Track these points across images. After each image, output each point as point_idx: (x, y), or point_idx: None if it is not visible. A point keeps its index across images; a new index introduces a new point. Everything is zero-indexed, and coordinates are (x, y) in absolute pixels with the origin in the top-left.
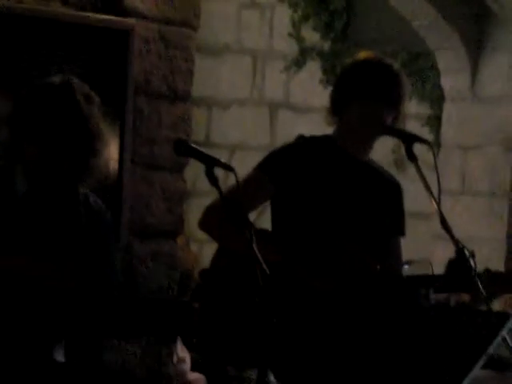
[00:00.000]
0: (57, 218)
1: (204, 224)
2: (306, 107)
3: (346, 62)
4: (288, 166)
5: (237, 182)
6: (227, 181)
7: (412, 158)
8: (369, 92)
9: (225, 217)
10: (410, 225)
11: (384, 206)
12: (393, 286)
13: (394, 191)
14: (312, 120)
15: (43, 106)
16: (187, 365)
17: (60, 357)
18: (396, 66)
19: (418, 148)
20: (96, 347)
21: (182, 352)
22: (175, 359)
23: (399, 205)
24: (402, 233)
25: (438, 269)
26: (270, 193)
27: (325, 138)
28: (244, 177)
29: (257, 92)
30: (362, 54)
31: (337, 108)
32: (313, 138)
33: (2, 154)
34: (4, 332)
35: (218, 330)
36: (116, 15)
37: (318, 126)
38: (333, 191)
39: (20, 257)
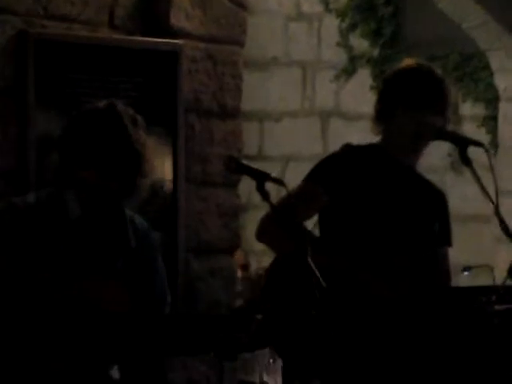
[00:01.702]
0: (109, 241)
1: (260, 234)
2: (357, 115)
3: (388, 71)
4: (337, 174)
5: (288, 193)
6: (280, 194)
7: (466, 161)
8: (414, 99)
9: (280, 227)
10: (471, 228)
11: (432, 215)
12: (445, 298)
13: (440, 200)
14: (364, 127)
15: (93, 131)
16: None
17: (116, 375)
18: (439, 72)
19: (475, 150)
20: (156, 366)
21: (269, 377)
22: (256, 381)
23: (446, 214)
24: (449, 243)
25: (502, 273)
26: (323, 203)
27: (371, 146)
28: (294, 189)
29: (307, 102)
30: (405, 62)
31: (382, 116)
32: (359, 147)
33: (54, 179)
34: (63, 350)
35: (282, 342)
36: (163, 36)
37: (369, 133)
38: (382, 199)
39: (78, 280)
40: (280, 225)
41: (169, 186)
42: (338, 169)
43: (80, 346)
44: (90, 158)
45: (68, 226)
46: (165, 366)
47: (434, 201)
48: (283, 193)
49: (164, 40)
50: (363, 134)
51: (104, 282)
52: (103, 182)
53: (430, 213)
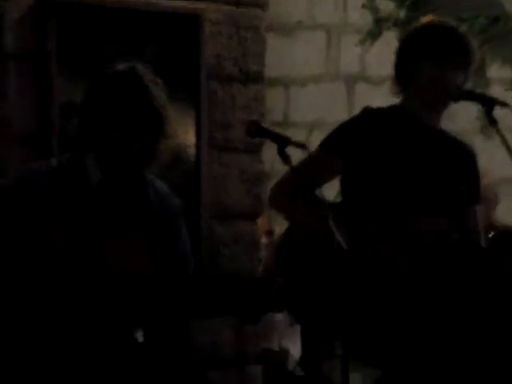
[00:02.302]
0: (130, 205)
1: (272, 200)
2: (383, 79)
3: (407, 30)
4: (354, 138)
5: (303, 159)
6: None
7: (492, 122)
8: (436, 55)
9: (293, 193)
10: (502, 190)
11: (458, 173)
12: (474, 256)
13: (468, 158)
14: (390, 90)
15: (115, 93)
16: (290, 357)
17: (140, 338)
18: (461, 29)
19: (502, 112)
20: (179, 328)
21: (287, 343)
22: (275, 347)
23: (474, 172)
24: (478, 200)
25: None
26: (336, 169)
27: (392, 107)
28: (310, 153)
29: (332, 67)
30: (425, 20)
31: (402, 76)
32: (379, 109)
33: (74, 144)
34: (87, 314)
35: (303, 306)
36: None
37: (395, 98)
38: (404, 161)
39: (100, 244)
40: (294, 190)
41: (191, 151)
42: (357, 133)
43: (104, 310)
44: (112, 120)
45: (88, 191)
46: (189, 329)
47: (461, 158)
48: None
49: (186, 2)
50: (389, 98)
51: (126, 246)
52: (126, 143)
53: (457, 171)
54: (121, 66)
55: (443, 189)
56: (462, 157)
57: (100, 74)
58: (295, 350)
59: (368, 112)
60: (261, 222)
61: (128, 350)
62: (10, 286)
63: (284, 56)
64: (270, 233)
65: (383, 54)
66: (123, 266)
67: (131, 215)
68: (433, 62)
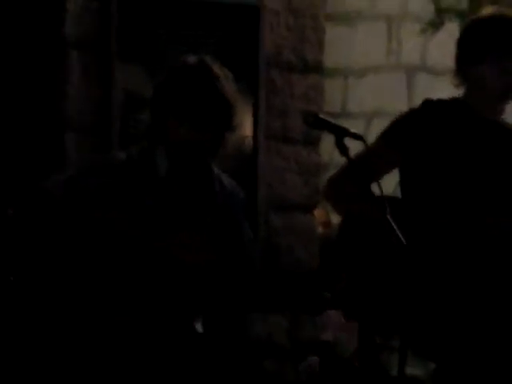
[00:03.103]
0: (197, 197)
1: (328, 194)
2: (444, 69)
3: (468, 19)
4: (413, 132)
5: (361, 151)
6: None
7: None
8: (501, 47)
9: (350, 186)
10: None
11: None
12: None
13: None
14: (451, 82)
15: (186, 86)
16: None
17: (200, 328)
18: None
19: None
20: (238, 319)
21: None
22: (330, 338)
23: None
24: None
25: None
26: (394, 162)
27: (453, 100)
28: (368, 146)
29: (393, 57)
30: (486, 11)
31: (463, 68)
32: (440, 102)
33: (145, 137)
34: (149, 304)
35: (363, 299)
36: None
37: (457, 89)
38: (465, 155)
39: (166, 236)
40: (352, 184)
41: (249, 141)
42: (416, 127)
43: (166, 300)
44: (184, 112)
45: (156, 183)
46: (245, 320)
47: None
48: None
49: None
50: (450, 90)
51: (190, 237)
52: (196, 135)
53: None
54: (191, 59)
55: (507, 184)
56: None
57: (170, 68)
58: (351, 341)
59: (428, 105)
60: (318, 213)
61: (188, 340)
62: (75, 276)
63: (343, 46)
64: (327, 224)
65: (445, 45)
66: (187, 257)
67: (197, 207)
68: (498, 55)
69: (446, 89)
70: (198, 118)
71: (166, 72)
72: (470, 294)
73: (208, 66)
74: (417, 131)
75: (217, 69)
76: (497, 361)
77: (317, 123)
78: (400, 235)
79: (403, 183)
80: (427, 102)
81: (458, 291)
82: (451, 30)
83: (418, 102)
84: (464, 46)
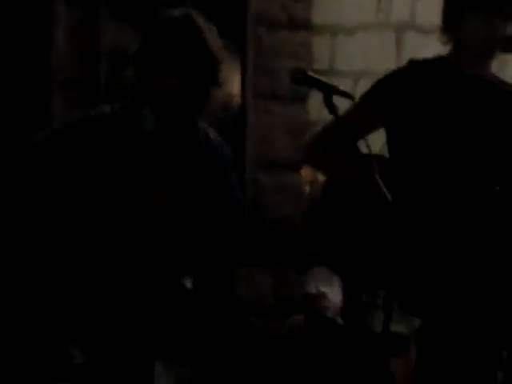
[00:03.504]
0: (183, 153)
1: (307, 155)
2: (434, 27)
3: None
4: (396, 91)
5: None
6: None
7: None
8: (481, 2)
9: (334, 144)
10: None
11: (509, 123)
12: None
13: None
14: (439, 40)
15: (173, 39)
16: (328, 302)
17: (188, 285)
18: None
19: None
20: (225, 275)
21: (326, 288)
22: (313, 291)
23: None
24: None
25: None
26: (376, 121)
27: (438, 59)
28: (351, 106)
29: (382, 15)
30: None
31: (449, 24)
32: (424, 61)
33: (129, 92)
34: (137, 260)
35: (350, 256)
36: None
37: (445, 46)
38: (449, 112)
39: (153, 192)
40: (333, 142)
41: (237, 100)
42: (399, 86)
43: (155, 257)
44: (169, 66)
45: (143, 139)
46: (232, 276)
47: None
48: None
49: None
50: (439, 48)
51: (179, 194)
52: (182, 89)
53: (508, 121)
54: (175, 12)
55: (490, 140)
56: None
57: (154, 21)
58: (334, 296)
59: (412, 64)
60: (305, 172)
61: (177, 296)
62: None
63: (332, 3)
64: (314, 183)
65: (433, 3)
66: (174, 213)
67: (184, 163)
68: (480, 9)
69: (435, 47)
70: (183, 70)
71: (151, 25)
72: (455, 249)
73: (193, 18)
74: (400, 90)
75: (201, 22)
76: (481, 316)
77: (305, 80)
78: (386, 192)
79: (389, 142)
80: (411, 62)
81: (442, 246)
82: None
83: (406, 60)
84: (447, 3)
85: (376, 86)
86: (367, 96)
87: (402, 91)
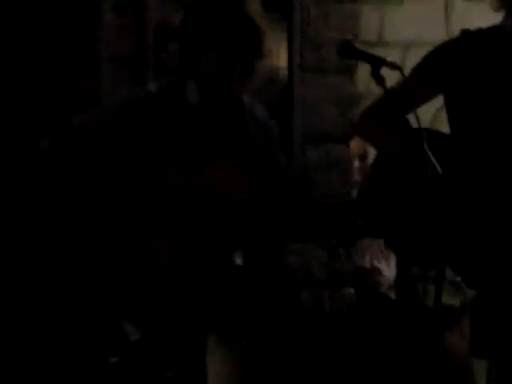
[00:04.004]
0: (229, 129)
1: (360, 128)
2: None
3: None
4: (449, 63)
5: (396, 83)
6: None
7: None
8: None
9: (385, 117)
10: None
11: None
12: None
13: None
14: (489, 9)
15: (212, 13)
16: (381, 277)
17: (238, 260)
18: None
19: None
20: (275, 251)
21: (380, 263)
22: (367, 265)
23: None
24: None
25: None
26: (429, 94)
27: (491, 28)
28: (404, 78)
29: None
30: None
31: None
32: (478, 31)
33: (175, 68)
34: (187, 236)
35: (399, 231)
36: None
37: (495, 14)
38: (503, 83)
39: (200, 168)
40: (385, 115)
41: (284, 73)
42: (451, 58)
43: (205, 233)
44: (212, 40)
45: (187, 114)
46: (282, 251)
47: None
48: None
49: None
50: (488, 15)
51: (224, 170)
52: (226, 63)
53: None
54: None
55: None
56: None
57: None
58: (388, 271)
59: (464, 35)
60: (354, 145)
61: (227, 272)
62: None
63: None
64: (363, 157)
65: None
66: (222, 190)
67: (230, 139)
68: None
69: (485, 15)
70: (225, 43)
71: (192, 1)
72: (507, 220)
73: None
74: (452, 62)
75: None
76: None
77: (351, 53)
78: (436, 165)
79: (449, 116)
80: (464, 32)
81: (494, 217)
82: None
83: (456, 29)
84: None
85: (430, 57)
86: (421, 67)
87: (458, 62)
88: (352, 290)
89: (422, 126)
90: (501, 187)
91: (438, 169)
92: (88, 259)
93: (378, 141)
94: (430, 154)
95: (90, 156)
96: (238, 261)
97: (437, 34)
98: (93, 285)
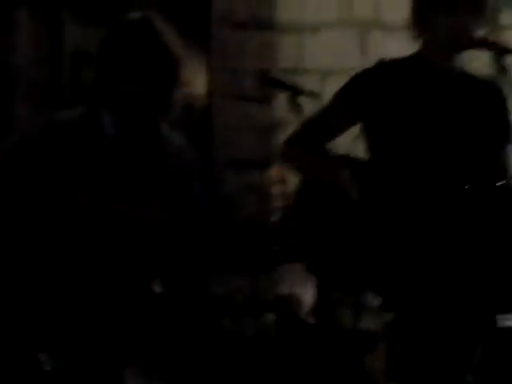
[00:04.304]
0: (146, 158)
1: (283, 157)
2: (398, 25)
3: None
4: (366, 90)
5: (316, 110)
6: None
7: (502, 70)
8: (443, 3)
9: (306, 145)
10: None
11: (484, 115)
12: (495, 196)
13: (494, 98)
14: (404, 38)
15: (130, 43)
16: (300, 303)
17: (158, 288)
18: None
19: None
20: (195, 278)
21: (300, 289)
22: (286, 292)
23: (502, 111)
24: (509, 140)
25: None
26: (349, 121)
27: (408, 57)
28: (323, 105)
29: (345, 13)
30: None
31: (419, 18)
32: (394, 60)
33: (89, 97)
34: (104, 264)
35: (322, 255)
36: None
37: (410, 44)
38: (421, 108)
39: (117, 198)
40: (308, 142)
41: (203, 100)
42: (370, 85)
43: (123, 262)
44: (128, 70)
45: (103, 145)
46: (202, 278)
47: (486, 100)
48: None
49: None
50: (402, 45)
51: (143, 198)
52: (143, 93)
53: (482, 114)
54: (134, 15)
55: (466, 132)
56: (487, 98)
57: (113, 24)
58: (308, 297)
59: (384, 62)
60: (274, 170)
61: (146, 301)
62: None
63: (296, 1)
64: (283, 182)
65: (397, 0)
66: (139, 217)
67: (148, 168)
68: (449, 6)
69: (399, 44)
70: (142, 74)
71: (109, 28)
72: (426, 244)
73: (151, 20)
74: (370, 90)
75: (160, 24)
76: (452, 311)
77: (271, 82)
78: (357, 190)
79: (366, 142)
80: (382, 60)
81: (413, 242)
82: None
83: (371, 58)
84: (415, 2)
85: (348, 85)
86: (340, 95)
87: (375, 89)
88: (273, 316)
89: (343, 152)
90: (418, 212)
91: (358, 194)
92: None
93: (301, 168)
94: (349, 180)
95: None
96: (158, 288)
97: (354, 62)
98: (7, 314)
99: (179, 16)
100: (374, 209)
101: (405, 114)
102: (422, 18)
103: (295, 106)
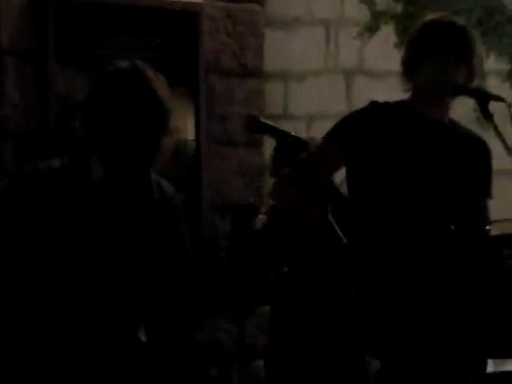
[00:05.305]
0: (134, 203)
1: (276, 196)
2: (382, 72)
3: (415, 25)
4: (357, 131)
5: (306, 152)
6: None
7: (487, 116)
8: (435, 50)
9: (296, 187)
10: (496, 184)
11: (467, 166)
12: (473, 247)
13: (478, 151)
14: (388, 85)
15: (118, 92)
16: None
17: (143, 336)
18: (461, 22)
19: (499, 104)
20: (180, 326)
21: None
22: None
23: (485, 165)
24: (489, 194)
25: None
26: (340, 161)
27: (399, 102)
28: (315, 147)
29: (331, 61)
30: (429, 16)
31: (408, 71)
32: (385, 103)
33: (78, 145)
34: (90, 313)
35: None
36: None
37: (394, 90)
38: (409, 154)
39: (104, 243)
40: (297, 185)
41: (191, 146)
42: (358, 125)
43: (107, 308)
44: (117, 118)
45: (91, 189)
46: (188, 326)
47: (470, 152)
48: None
49: (185, 0)
50: (388, 92)
51: (128, 245)
52: (131, 140)
53: (465, 164)
54: (122, 64)
55: (449, 182)
56: (472, 149)
57: (102, 73)
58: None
59: (373, 106)
60: (262, 215)
61: (130, 349)
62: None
63: (283, 50)
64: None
65: (381, 48)
66: (125, 265)
67: (134, 214)
68: (433, 56)
69: (384, 91)
70: (130, 121)
71: (98, 77)
72: (412, 290)
73: (140, 69)
74: (362, 131)
75: (149, 72)
76: (441, 359)
77: (258, 127)
78: (341, 235)
79: (348, 182)
80: (373, 103)
81: (400, 288)
82: (387, 34)
83: (356, 103)
84: (406, 52)
85: (339, 126)
86: (330, 136)
87: (364, 131)
88: (261, 363)
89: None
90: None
91: (343, 239)
92: None
93: (291, 210)
94: (334, 225)
95: None
96: (142, 337)
97: (338, 108)
98: None
99: (168, 64)
100: (356, 252)
101: (392, 158)
102: (412, 69)
103: (283, 151)
